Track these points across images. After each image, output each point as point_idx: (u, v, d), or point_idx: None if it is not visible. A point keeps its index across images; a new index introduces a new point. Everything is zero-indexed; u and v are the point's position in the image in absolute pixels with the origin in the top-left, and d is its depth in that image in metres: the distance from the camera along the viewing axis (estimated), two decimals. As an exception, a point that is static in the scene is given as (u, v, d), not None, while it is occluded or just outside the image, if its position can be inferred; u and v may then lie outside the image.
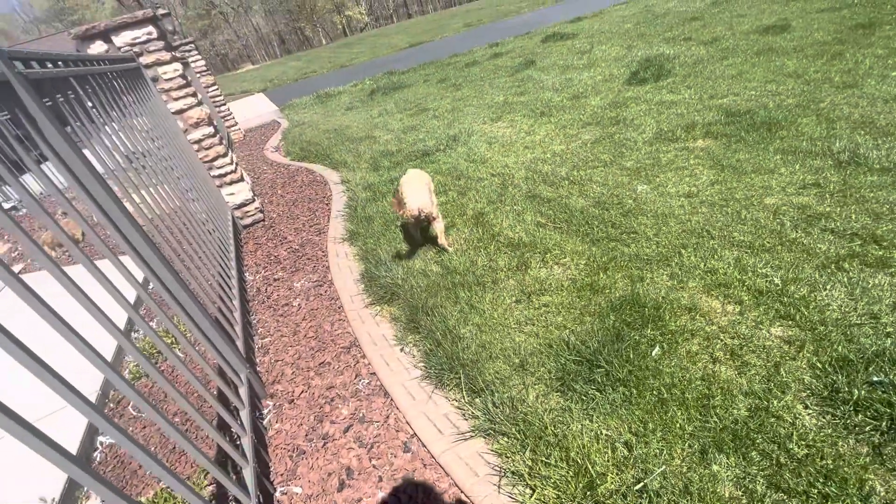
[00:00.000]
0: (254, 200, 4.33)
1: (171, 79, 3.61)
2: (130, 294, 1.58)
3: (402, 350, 2.27)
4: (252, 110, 12.37)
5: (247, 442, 1.70)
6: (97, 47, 3.36)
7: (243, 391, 1.93)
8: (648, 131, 3.93)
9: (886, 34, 4.60)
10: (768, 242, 2.28)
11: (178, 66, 3.65)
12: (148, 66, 3.52)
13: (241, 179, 4.22)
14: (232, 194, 4.19)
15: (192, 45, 8.15)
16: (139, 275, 2.09)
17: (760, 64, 4.79)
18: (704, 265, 2.24)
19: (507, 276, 2.57)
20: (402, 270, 2.84)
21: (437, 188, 3.95)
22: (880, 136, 2.90)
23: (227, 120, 8.81)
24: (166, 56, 3.56)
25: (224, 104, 8.79)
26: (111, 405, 2.36)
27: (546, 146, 4.28)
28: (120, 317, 1.91)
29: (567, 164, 3.76)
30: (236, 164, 4.28)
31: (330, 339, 2.47)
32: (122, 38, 3.38)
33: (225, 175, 4.10)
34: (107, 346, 2.43)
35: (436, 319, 2.31)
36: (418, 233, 3.07)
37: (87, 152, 1.51)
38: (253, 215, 4.36)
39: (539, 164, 3.90)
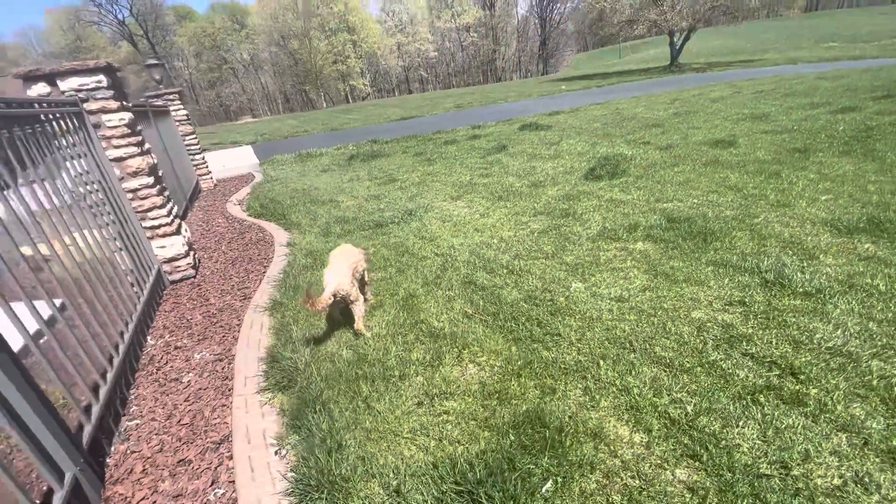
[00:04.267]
0: (187, 255, 4.10)
1: (114, 126, 3.54)
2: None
3: (277, 453, 1.97)
4: (233, 161, 12.49)
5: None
6: (39, 88, 3.30)
7: (58, 497, 1.59)
8: (594, 227, 3.95)
9: (819, 160, 4.94)
10: (688, 362, 2.16)
11: (125, 115, 3.59)
12: (92, 113, 3.45)
13: (177, 233, 4.03)
14: (163, 247, 3.96)
15: (177, 96, 8.33)
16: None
17: (706, 174, 5.04)
18: (620, 381, 2.08)
19: (417, 372, 2.36)
20: (309, 353, 2.59)
21: (379, 263, 3.83)
22: (806, 258, 2.94)
23: (199, 168, 8.79)
24: (114, 105, 3.50)
25: (200, 153, 8.82)
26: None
27: (496, 230, 4.26)
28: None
29: (511, 252, 3.70)
30: (175, 216, 4.11)
31: (203, 430, 2.15)
32: (68, 83, 3.33)
33: (158, 227, 3.90)
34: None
35: (321, 419, 2.05)
36: (337, 312, 2.87)
37: None
38: (183, 271, 4.10)
39: (484, 249, 3.83)
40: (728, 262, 3.01)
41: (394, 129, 15.48)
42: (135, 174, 3.70)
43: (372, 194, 6.33)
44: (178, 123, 8.36)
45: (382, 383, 2.28)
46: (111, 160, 3.59)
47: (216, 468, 1.90)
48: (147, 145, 3.97)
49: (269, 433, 2.07)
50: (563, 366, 2.25)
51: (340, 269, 2.67)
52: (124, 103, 3.70)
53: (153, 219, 3.87)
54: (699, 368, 2.11)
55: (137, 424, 2.24)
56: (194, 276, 4.17)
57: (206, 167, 8.98)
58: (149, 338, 3.12)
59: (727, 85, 14.28)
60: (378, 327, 2.84)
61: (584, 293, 2.91)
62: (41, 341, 1.88)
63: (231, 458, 1.94)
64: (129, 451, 2.05)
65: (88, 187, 3.51)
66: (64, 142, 3.32)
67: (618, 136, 8.08)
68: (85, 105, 3.41)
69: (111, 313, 2.84)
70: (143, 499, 1.79)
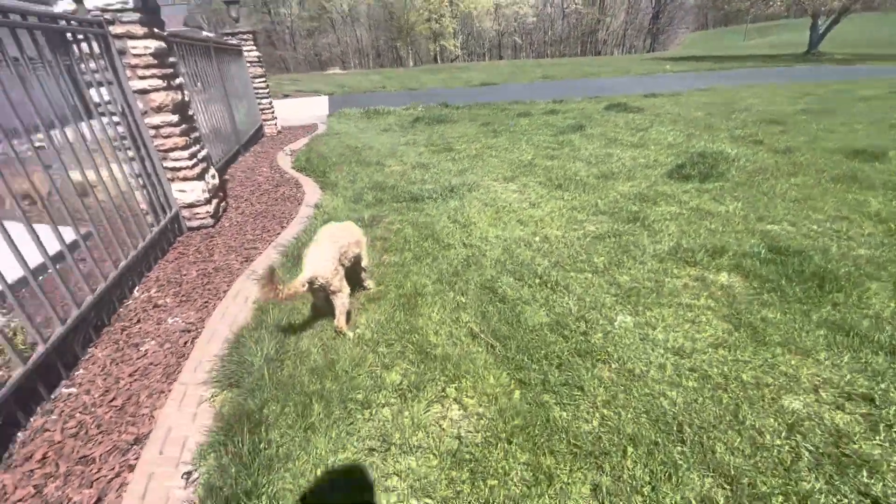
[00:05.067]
0: (207, 203, 3.88)
1: (139, 55, 3.27)
2: None
3: (186, 476, 1.58)
4: (304, 110, 12.51)
5: None
6: (64, 4, 3.08)
7: None
8: (666, 242, 3.12)
9: None
10: (765, 483, 1.44)
11: (152, 43, 3.31)
12: (118, 37, 3.19)
13: (199, 178, 3.79)
14: (182, 191, 3.76)
15: (251, 36, 8.21)
16: None
17: (836, 192, 3.88)
18: (652, 492, 1.43)
19: (386, 401, 1.86)
20: (275, 346, 2.18)
21: (397, 244, 3.33)
22: None
23: (265, 113, 8.74)
24: (139, 30, 3.22)
25: (268, 97, 8.76)
26: None
27: (542, 226, 3.56)
28: None
29: (552, 257, 3.02)
30: (200, 160, 3.87)
31: (128, 420, 1.83)
32: (93, 1, 3.08)
33: (178, 170, 3.68)
34: None
35: (248, 442, 1.62)
36: (322, 299, 2.42)
37: None
38: (202, 219, 3.90)
39: (521, 248, 3.18)
40: (853, 328, 2.12)
41: (471, 94, 14.63)
42: (158, 109, 3.45)
43: (421, 162, 5.78)
44: (248, 65, 8.29)
45: (339, 408, 1.81)
46: (134, 91, 3.36)
47: (110, 480, 1.56)
48: (178, 80, 3.71)
49: (190, 445, 1.70)
50: (574, 440, 1.62)
51: (324, 253, 2.20)
52: (156, 31, 3.42)
53: (174, 160, 3.64)
54: (780, 498, 1.39)
55: (70, 394, 1.98)
56: (212, 226, 3.95)
57: (272, 112, 8.92)
58: (136, 290, 2.91)
59: (883, 82, 11.63)
60: (364, 327, 2.36)
61: (632, 333, 2.20)
62: None
63: (132, 470, 1.59)
64: (42, 429, 1.78)
65: (114, 118, 3.33)
66: (91, 65, 3.12)
67: (722, 129, 6.74)
68: (111, 28, 3.16)
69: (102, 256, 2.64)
70: (20, 500, 1.49)
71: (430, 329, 2.31)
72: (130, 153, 3.48)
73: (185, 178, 3.72)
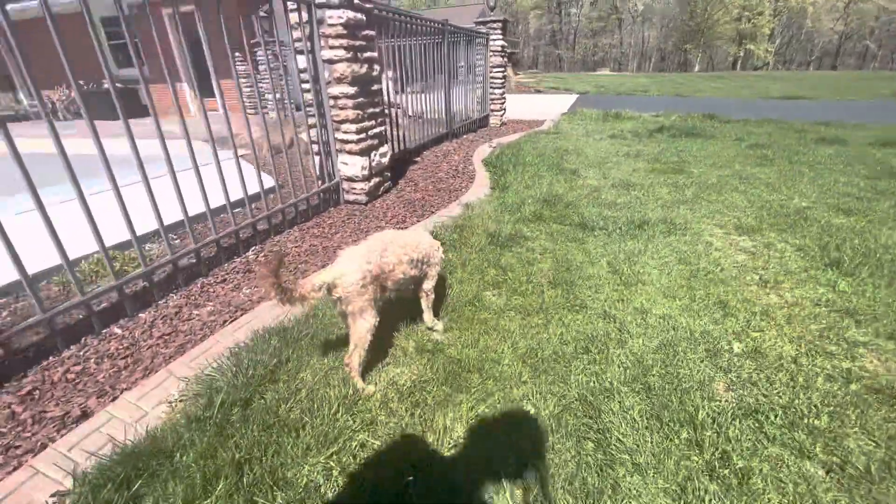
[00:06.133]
0: (365, 181, 3.81)
1: (332, 24, 3.29)
2: None
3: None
4: (540, 106, 12.08)
5: None
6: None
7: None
8: None
9: None
10: None
11: (344, 13, 3.28)
12: (319, 6, 3.28)
13: (362, 154, 3.73)
14: (345, 164, 3.77)
15: (500, 25, 8.11)
16: None
17: None
18: None
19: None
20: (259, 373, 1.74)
21: (518, 281, 2.47)
22: None
23: (494, 104, 8.65)
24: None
25: (501, 87, 8.62)
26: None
27: (766, 325, 2.04)
28: None
29: (761, 405, 1.62)
30: (368, 136, 3.80)
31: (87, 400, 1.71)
32: (305, -28, 3.21)
33: (346, 142, 3.68)
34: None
35: None
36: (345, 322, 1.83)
37: None
38: (357, 194, 3.87)
39: (698, 354, 1.85)
40: None
41: (758, 107, 11.29)
42: (339, 80, 3.47)
43: (628, 181, 4.48)
44: (491, 54, 8.25)
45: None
46: (323, 61, 3.44)
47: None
48: (368, 54, 3.66)
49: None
50: None
51: (357, 257, 1.65)
52: (356, 2, 3.39)
53: (344, 132, 3.65)
54: None
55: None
56: (364, 203, 3.89)
57: (501, 104, 8.76)
58: (237, 257, 2.95)
59: None
60: (388, 387, 1.68)
61: None
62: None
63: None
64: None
65: (304, 86, 3.52)
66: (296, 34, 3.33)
67: None
68: (318, -4, 3.25)
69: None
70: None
71: (446, 440, 1.46)
72: (312, 120, 3.65)
73: (349, 152, 3.72)
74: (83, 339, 2.00)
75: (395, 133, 4.96)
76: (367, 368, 1.75)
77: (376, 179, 3.99)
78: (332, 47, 3.38)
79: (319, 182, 3.77)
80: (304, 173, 3.60)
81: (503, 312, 2.18)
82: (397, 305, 2.12)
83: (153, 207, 2.33)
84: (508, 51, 9.74)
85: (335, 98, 3.54)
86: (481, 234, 3.08)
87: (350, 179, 3.83)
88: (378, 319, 1.69)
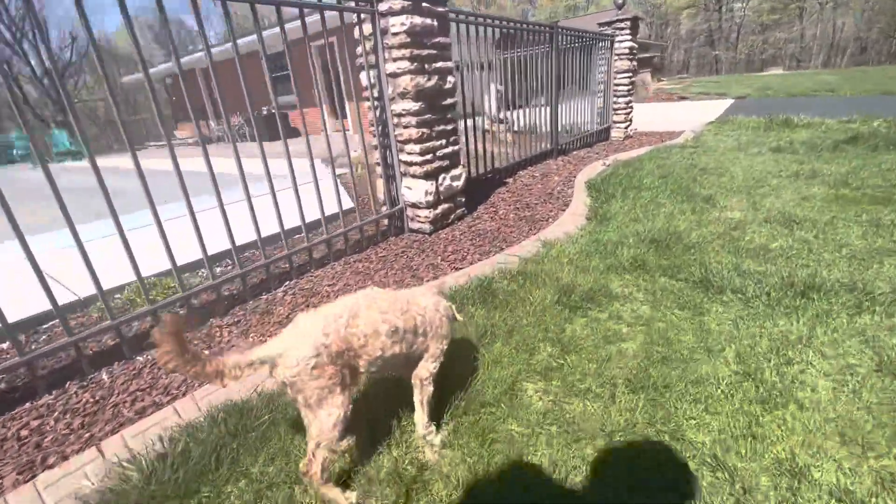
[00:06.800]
0: (430, 207, 3.33)
1: (395, 34, 2.90)
2: None
3: None
4: (685, 115, 10.28)
5: None
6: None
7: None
8: None
9: None
10: None
11: (408, 19, 2.86)
12: (382, 14, 2.92)
13: (427, 178, 3.26)
14: (409, 189, 3.34)
15: (628, 24, 7.00)
16: None
17: None
18: None
19: None
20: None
21: (577, 375, 1.72)
22: None
23: (618, 114, 7.49)
24: (397, 4, 2.82)
25: (627, 96, 7.43)
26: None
27: None
28: None
29: None
30: (435, 158, 3.30)
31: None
32: (369, -22, 2.89)
33: (410, 164, 3.25)
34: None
35: None
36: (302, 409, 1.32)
37: None
38: (421, 222, 3.40)
39: None
40: None
41: None
42: (403, 95, 3.06)
43: (791, 215, 3.18)
44: (616, 57, 7.17)
45: None
46: (387, 75, 3.08)
47: None
48: (439, 64, 3.19)
49: None
50: None
51: (312, 328, 1.17)
52: (424, 5, 2.96)
53: (408, 153, 3.23)
54: None
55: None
56: (428, 234, 3.40)
57: (627, 114, 7.56)
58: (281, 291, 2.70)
59: None
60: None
61: None
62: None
63: None
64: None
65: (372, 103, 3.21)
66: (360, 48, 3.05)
67: None
68: (379, 5, 2.91)
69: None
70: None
71: None
72: (375, 141, 3.33)
73: (413, 175, 3.28)
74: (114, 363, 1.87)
75: (476, 150, 4.40)
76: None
77: (445, 206, 3.48)
78: (394, 59, 2.99)
79: (384, 208, 3.42)
80: (373, 198, 3.29)
81: (542, 427, 1.45)
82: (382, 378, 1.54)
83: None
84: (642, 55, 8.42)
85: (399, 115, 3.14)
86: (550, 286, 2.32)
87: (414, 206, 3.39)
88: (350, 407, 1.16)
